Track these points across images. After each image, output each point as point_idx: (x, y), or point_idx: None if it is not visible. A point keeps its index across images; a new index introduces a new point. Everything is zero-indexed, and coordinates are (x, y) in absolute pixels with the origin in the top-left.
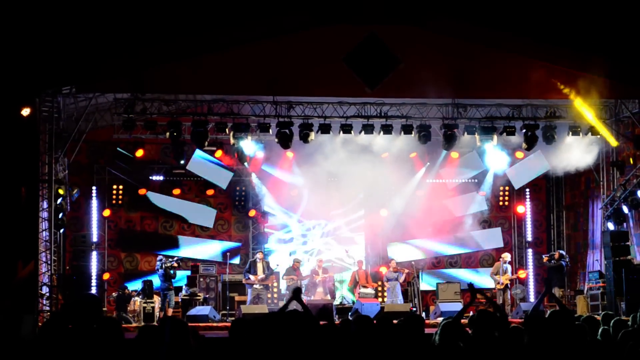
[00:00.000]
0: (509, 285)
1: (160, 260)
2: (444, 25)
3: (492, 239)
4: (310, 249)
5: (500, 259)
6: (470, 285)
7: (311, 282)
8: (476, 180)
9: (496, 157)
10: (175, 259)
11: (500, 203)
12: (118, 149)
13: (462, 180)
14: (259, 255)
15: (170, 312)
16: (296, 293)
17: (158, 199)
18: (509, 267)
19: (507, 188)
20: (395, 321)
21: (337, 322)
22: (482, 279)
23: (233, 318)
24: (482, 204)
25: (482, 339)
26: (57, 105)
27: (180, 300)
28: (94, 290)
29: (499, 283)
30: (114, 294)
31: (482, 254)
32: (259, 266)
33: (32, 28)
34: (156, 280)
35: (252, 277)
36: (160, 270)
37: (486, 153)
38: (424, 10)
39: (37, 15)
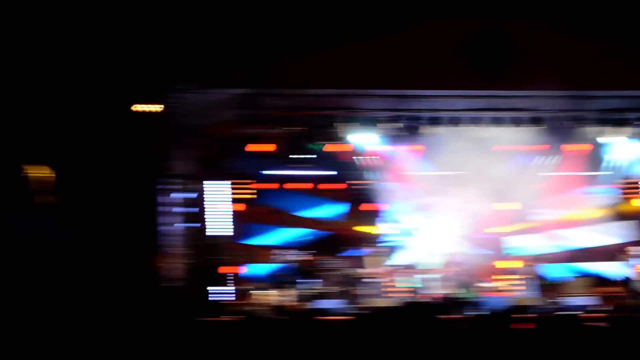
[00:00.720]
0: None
1: (288, 253)
2: (564, 17)
3: (624, 233)
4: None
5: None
6: None
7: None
8: (603, 173)
9: (628, 148)
10: (306, 253)
11: (630, 196)
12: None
13: (588, 173)
14: (372, 250)
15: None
16: None
17: (280, 193)
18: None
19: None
20: None
21: None
22: None
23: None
24: (609, 197)
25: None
26: (181, 101)
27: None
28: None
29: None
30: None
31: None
32: (372, 260)
33: (158, 24)
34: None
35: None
36: (286, 263)
37: (616, 145)
38: (544, 2)
39: (163, 12)
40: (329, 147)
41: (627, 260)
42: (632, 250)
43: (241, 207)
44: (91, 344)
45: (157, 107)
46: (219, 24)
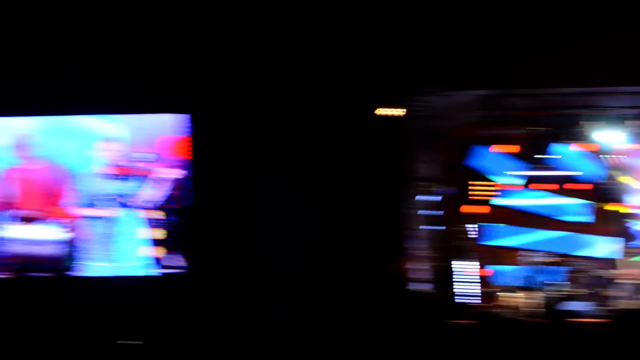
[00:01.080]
0: None
1: (538, 255)
2: None
3: None
4: None
5: None
6: None
7: None
8: None
9: None
10: (555, 255)
11: None
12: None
13: None
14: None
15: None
16: None
17: (525, 195)
18: None
19: None
20: None
21: None
22: None
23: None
24: None
25: None
26: (427, 104)
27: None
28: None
29: None
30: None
31: None
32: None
33: (403, 29)
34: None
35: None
36: (535, 265)
37: None
38: None
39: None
40: (574, 147)
41: None
42: None
43: (485, 208)
44: (338, 347)
45: (401, 111)
46: (463, 27)
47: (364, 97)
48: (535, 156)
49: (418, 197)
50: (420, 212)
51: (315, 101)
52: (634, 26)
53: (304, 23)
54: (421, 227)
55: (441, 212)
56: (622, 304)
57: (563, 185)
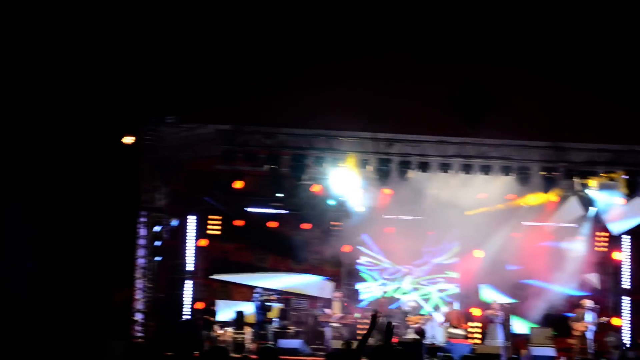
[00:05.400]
0: (587, 333)
1: (259, 292)
2: (549, 68)
3: (588, 285)
4: (402, 287)
5: (581, 306)
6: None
7: (404, 321)
8: (574, 225)
9: (597, 201)
10: (274, 292)
11: (597, 248)
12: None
13: (561, 224)
14: (336, 294)
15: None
16: (388, 327)
17: (254, 231)
18: (591, 313)
19: (605, 234)
20: None
21: None
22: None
23: (323, 353)
24: (578, 249)
25: None
26: (160, 135)
27: (271, 332)
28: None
29: (576, 330)
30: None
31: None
32: (336, 305)
33: (137, 58)
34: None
35: (327, 311)
36: (257, 302)
37: (587, 197)
38: (530, 53)
39: (143, 46)
40: (309, 186)
41: (585, 313)
42: (581, 302)
43: (214, 243)
44: None
45: (135, 141)
46: (200, 59)
47: (99, 125)
48: (269, 193)
49: (150, 228)
50: (147, 242)
51: (46, 127)
52: (376, 74)
53: (38, 50)
54: (147, 257)
55: (167, 243)
56: (334, 344)
57: (292, 224)
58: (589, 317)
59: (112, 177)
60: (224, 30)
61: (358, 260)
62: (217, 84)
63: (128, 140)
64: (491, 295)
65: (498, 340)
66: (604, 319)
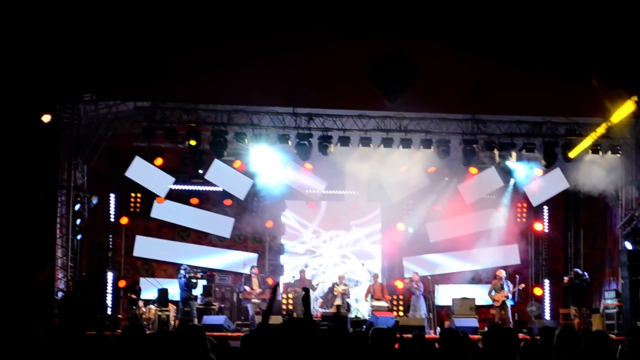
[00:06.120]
0: (507, 302)
1: (185, 269)
2: (467, 40)
3: (510, 255)
4: (325, 262)
5: (497, 277)
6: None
7: (330, 294)
8: (494, 197)
9: (517, 172)
10: (200, 270)
11: (518, 220)
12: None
13: (481, 196)
14: (254, 270)
15: (195, 320)
16: (305, 297)
17: (176, 208)
18: (507, 283)
19: (525, 205)
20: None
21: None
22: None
23: (247, 329)
24: (499, 220)
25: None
26: (78, 113)
27: (195, 309)
28: (109, 298)
29: (495, 301)
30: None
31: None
32: (254, 281)
33: (54, 35)
34: (174, 289)
35: (247, 288)
36: (182, 279)
37: (507, 169)
38: (447, 24)
39: (59, 23)
40: (229, 163)
41: (496, 285)
42: (497, 273)
43: (136, 221)
44: None
45: (53, 119)
46: (120, 37)
47: (15, 104)
48: (193, 170)
49: (71, 207)
50: (67, 221)
51: None
52: (296, 49)
53: None
54: (68, 236)
55: (88, 222)
56: (259, 320)
57: (213, 200)
58: (506, 287)
59: (30, 155)
60: (139, 6)
61: (281, 235)
62: (134, 60)
63: (46, 118)
64: (413, 267)
65: (421, 312)
66: (521, 285)
